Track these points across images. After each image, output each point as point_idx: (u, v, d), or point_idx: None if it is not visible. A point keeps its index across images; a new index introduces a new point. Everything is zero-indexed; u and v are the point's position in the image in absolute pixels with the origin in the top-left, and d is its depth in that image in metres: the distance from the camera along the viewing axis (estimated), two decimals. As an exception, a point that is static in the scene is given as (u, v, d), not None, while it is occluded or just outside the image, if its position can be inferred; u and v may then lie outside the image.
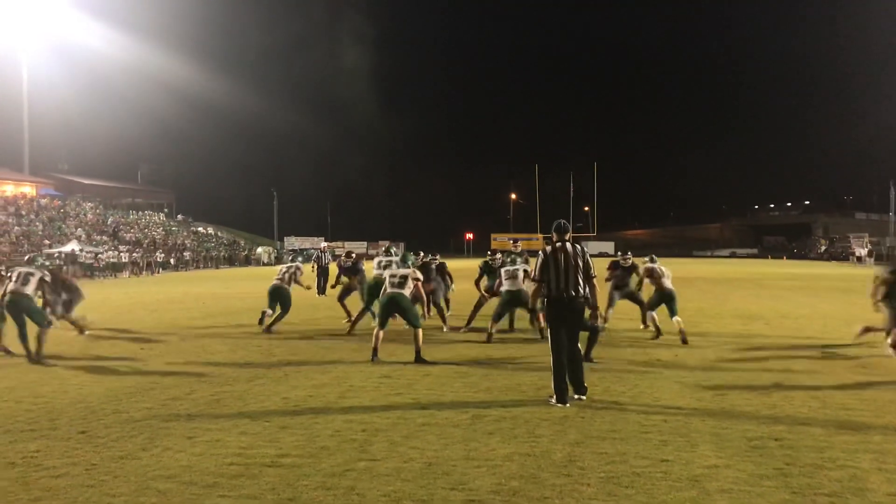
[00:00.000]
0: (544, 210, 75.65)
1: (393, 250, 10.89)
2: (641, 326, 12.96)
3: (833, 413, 6.71)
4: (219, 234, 77.10)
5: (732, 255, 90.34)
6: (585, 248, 7.60)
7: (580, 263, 7.20)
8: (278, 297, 13.25)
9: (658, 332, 11.79)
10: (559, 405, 6.97)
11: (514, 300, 11.49)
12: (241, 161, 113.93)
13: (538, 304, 9.05)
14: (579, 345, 7.46)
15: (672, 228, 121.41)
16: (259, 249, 72.16)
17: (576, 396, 7.18)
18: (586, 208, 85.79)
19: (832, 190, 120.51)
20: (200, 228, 75.34)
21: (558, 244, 7.30)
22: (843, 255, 67.46)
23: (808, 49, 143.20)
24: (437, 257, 15.16)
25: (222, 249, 67.85)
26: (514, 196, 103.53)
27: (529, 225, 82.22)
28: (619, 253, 14.74)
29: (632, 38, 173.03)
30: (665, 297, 11.87)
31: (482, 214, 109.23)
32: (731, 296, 21.92)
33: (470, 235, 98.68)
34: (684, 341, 11.16)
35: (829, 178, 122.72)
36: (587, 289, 7.27)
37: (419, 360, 9.46)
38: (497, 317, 11.64)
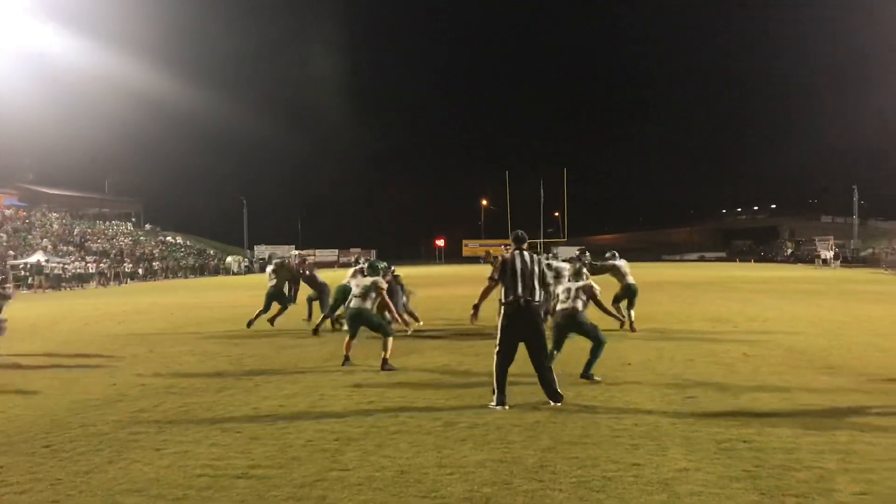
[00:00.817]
0: (515, 216, 75.97)
1: (362, 260, 10.91)
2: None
3: (799, 413, 6.79)
4: (188, 243, 76.39)
5: (701, 259, 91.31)
6: (542, 258, 7.79)
7: (536, 271, 7.37)
8: (277, 298, 14.76)
9: (622, 321, 12.46)
10: (498, 407, 7.09)
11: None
12: (211, 169, 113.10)
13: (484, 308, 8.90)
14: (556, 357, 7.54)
15: (642, 233, 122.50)
16: (229, 259, 71.61)
17: (551, 403, 7.25)
18: (556, 214, 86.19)
19: (798, 194, 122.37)
20: (169, 238, 74.64)
21: (516, 251, 7.47)
22: (809, 258, 68.41)
23: (773, 57, 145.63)
24: (392, 269, 15.15)
25: (191, 259, 67.19)
26: (485, 202, 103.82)
27: (501, 231, 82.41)
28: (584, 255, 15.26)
29: (601, 46, 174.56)
30: (630, 292, 13.68)
31: (453, 221, 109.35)
32: (701, 299, 22.12)
33: (441, 242, 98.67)
34: (632, 329, 13.22)
35: (795, 183, 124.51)
36: (543, 295, 7.51)
37: (385, 367, 9.43)
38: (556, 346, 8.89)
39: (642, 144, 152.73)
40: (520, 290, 7.23)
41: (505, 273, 7.33)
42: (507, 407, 7.11)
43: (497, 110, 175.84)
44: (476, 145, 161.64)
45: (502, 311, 7.38)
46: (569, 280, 9.40)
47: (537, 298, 7.34)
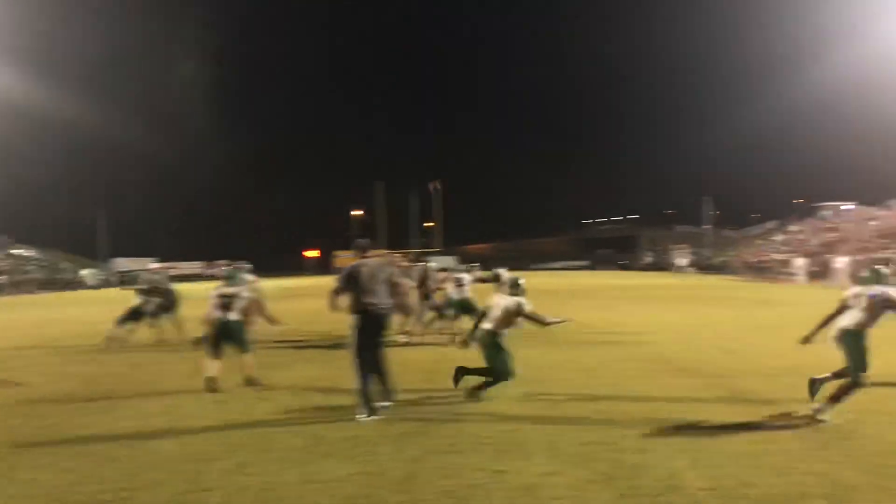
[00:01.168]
0: (390, 227, 76.37)
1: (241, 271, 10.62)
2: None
3: (654, 415, 7.12)
4: (39, 256, 72.01)
5: (567, 268, 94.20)
6: (387, 265, 7.89)
7: (382, 277, 7.51)
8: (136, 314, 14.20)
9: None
10: (366, 418, 7.11)
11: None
12: (65, 178, 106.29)
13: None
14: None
15: (511, 242, 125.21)
16: (84, 272, 67.90)
17: (382, 405, 7.37)
18: (430, 224, 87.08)
19: (655, 205, 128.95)
20: (18, 251, 70.09)
21: (362, 259, 7.58)
22: (666, 266, 72.04)
23: (632, 75, 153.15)
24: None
25: (42, 273, 63.36)
26: (359, 213, 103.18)
27: (375, 242, 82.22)
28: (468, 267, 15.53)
29: (471, 60, 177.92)
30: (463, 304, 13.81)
31: (326, 232, 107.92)
32: (565, 307, 22.78)
33: (312, 253, 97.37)
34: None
35: (652, 194, 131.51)
36: (391, 302, 7.63)
37: (250, 383, 9.13)
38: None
39: (513, 157, 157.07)
40: (367, 297, 7.33)
41: (351, 282, 7.40)
42: (375, 417, 7.12)
43: (372, 120, 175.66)
44: (350, 155, 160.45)
45: (353, 321, 7.39)
46: (507, 293, 8.42)
47: (385, 304, 7.48)
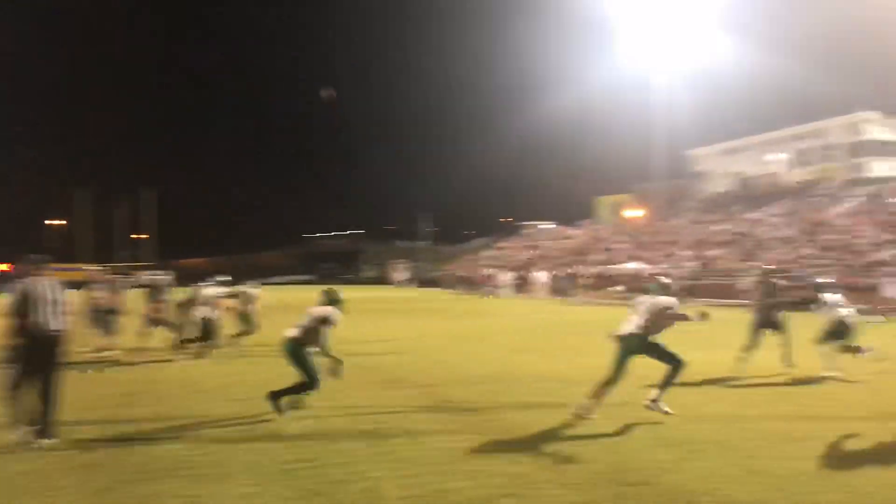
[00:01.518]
0: (98, 238, 70.89)
1: None
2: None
3: (362, 427, 7.21)
4: None
5: (290, 282, 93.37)
6: (60, 283, 7.26)
7: (54, 298, 6.97)
8: None
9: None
10: (38, 441, 6.56)
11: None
12: None
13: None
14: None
15: (231, 256, 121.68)
16: None
17: (45, 441, 6.61)
18: (141, 236, 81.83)
19: (377, 220, 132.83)
20: None
21: (31, 278, 7.00)
22: (387, 279, 74.09)
23: (361, 97, 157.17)
24: None
25: None
26: (57, 222, 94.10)
27: (75, 255, 75.58)
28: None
29: (195, 66, 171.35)
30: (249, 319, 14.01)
31: (15, 243, 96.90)
32: (281, 320, 22.46)
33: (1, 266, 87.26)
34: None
35: (375, 210, 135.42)
36: (63, 324, 7.07)
37: None
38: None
39: (233, 169, 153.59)
40: (36, 318, 6.75)
41: (22, 301, 6.77)
42: (35, 435, 6.57)
43: (77, 123, 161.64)
44: (47, 159, 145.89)
45: (18, 343, 6.73)
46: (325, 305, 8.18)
47: (56, 326, 6.91)
